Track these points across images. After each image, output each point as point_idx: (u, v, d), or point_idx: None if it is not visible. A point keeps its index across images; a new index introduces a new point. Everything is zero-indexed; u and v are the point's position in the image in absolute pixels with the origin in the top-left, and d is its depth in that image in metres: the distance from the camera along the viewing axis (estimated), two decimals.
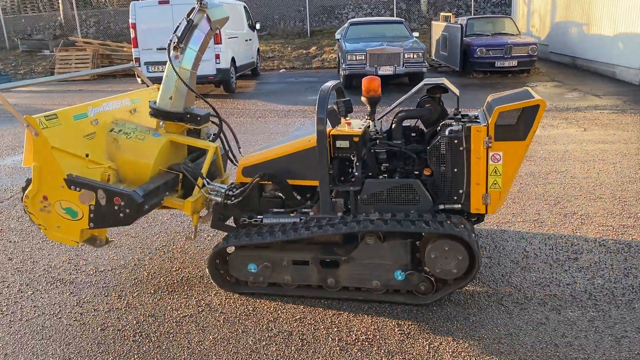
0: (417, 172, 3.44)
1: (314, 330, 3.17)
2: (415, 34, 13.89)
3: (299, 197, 3.57)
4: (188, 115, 3.64)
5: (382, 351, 2.95)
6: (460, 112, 3.48)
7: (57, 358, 3.02)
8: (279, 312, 3.37)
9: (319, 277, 3.38)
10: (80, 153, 3.32)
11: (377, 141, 3.45)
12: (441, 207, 3.34)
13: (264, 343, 3.07)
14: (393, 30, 13.73)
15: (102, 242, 3.60)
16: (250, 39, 15.15)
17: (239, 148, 4.16)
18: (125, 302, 3.58)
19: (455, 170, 3.25)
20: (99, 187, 3.23)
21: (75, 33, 22.49)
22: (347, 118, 3.54)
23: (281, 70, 17.52)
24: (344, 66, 12.16)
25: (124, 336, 3.20)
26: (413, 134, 3.65)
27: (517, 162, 3.16)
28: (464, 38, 13.34)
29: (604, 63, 12.85)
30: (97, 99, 3.75)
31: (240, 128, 8.93)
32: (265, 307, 3.43)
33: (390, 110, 3.69)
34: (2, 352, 3.10)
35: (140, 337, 3.18)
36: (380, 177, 3.45)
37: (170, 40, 3.56)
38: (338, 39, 14.63)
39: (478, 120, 3.30)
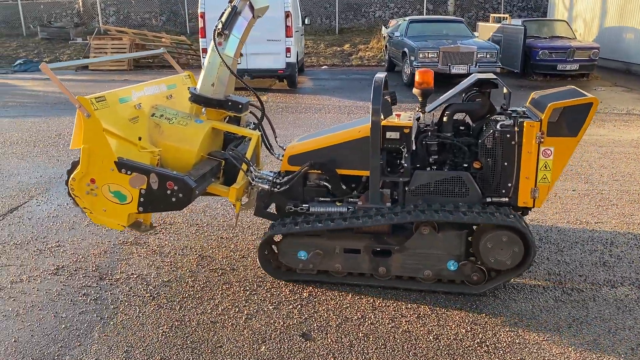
0: (466, 165, 3.44)
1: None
2: (476, 33, 13.78)
3: (344, 187, 3.56)
4: (229, 103, 3.61)
5: None
6: (508, 108, 3.50)
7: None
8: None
9: (370, 265, 3.41)
10: (129, 136, 3.24)
11: (429, 133, 3.45)
12: (488, 199, 3.38)
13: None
14: (454, 29, 13.57)
15: (146, 227, 3.50)
16: (302, 34, 14.83)
17: (276, 138, 4.10)
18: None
19: (506, 163, 3.30)
20: (151, 171, 3.16)
21: (94, 22, 21.79)
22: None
23: (323, 67, 17.20)
24: (415, 63, 11.93)
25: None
26: (461, 127, 3.64)
27: (567, 158, 3.24)
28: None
29: None
30: None
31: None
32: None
33: (441, 103, 3.62)
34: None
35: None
36: (428, 168, 3.45)
37: (216, 26, 3.49)
38: (392, 36, 14.42)
39: (527, 116, 3.33)
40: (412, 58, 12.13)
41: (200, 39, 11.72)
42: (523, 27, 13.31)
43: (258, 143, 3.81)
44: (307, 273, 3.54)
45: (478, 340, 2.95)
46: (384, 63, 16.37)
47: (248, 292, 3.47)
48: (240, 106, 3.62)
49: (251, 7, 3.53)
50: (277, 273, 3.60)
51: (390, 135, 3.35)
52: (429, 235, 3.30)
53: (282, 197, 3.61)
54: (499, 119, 3.35)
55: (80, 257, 3.99)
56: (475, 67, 11.80)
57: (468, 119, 3.64)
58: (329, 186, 3.57)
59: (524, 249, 3.19)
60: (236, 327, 3.11)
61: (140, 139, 3.30)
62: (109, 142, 3.08)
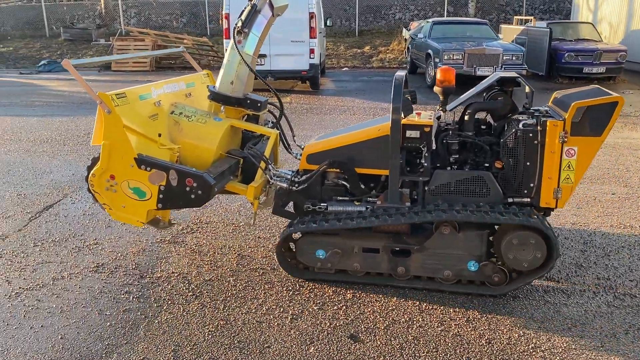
0: (487, 165, 3.38)
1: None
2: (500, 35, 13.65)
3: (362, 186, 3.51)
4: (248, 101, 3.60)
5: None
6: (530, 107, 3.44)
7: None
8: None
9: (389, 265, 3.37)
10: (149, 133, 3.22)
11: (450, 132, 3.39)
12: (509, 200, 3.32)
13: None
14: (478, 31, 13.45)
15: (165, 224, 3.52)
16: (324, 35, 14.81)
17: (294, 137, 4.04)
18: None
19: (528, 163, 3.24)
20: (171, 167, 3.15)
21: (116, 23, 21.96)
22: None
23: (344, 69, 17.16)
24: (440, 65, 11.83)
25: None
26: (482, 127, 3.56)
27: (591, 158, 3.18)
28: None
29: None
30: None
31: None
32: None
33: (462, 102, 3.54)
34: None
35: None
36: (449, 168, 3.39)
37: (235, 25, 3.49)
38: (415, 37, 14.34)
39: (550, 115, 3.26)
40: (437, 60, 12.04)
41: (224, 40, 11.74)
42: (548, 30, 13.15)
43: (276, 142, 3.79)
44: (325, 272, 3.51)
45: (532, 345, 2.87)
46: (405, 65, 16.30)
47: (291, 292, 3.42)
48: (259, 104, 3.61)
49: (271, 6, 3.52)
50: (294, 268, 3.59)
51: (410, 133, 3.30)
52: (449, 235, 3.24)
53: (300, 195, 3.58)
54: (521, 118, 3.29)
55: (119, 255, 3.97)
56: (501, 69, 11.66)
57: (490, 118, 3.58)
58: (348, 185, 3.53)
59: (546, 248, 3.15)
60: (282, 327, 3.06)
61: (160, 135, 3.30)
62: (129, 138, 3.08)
